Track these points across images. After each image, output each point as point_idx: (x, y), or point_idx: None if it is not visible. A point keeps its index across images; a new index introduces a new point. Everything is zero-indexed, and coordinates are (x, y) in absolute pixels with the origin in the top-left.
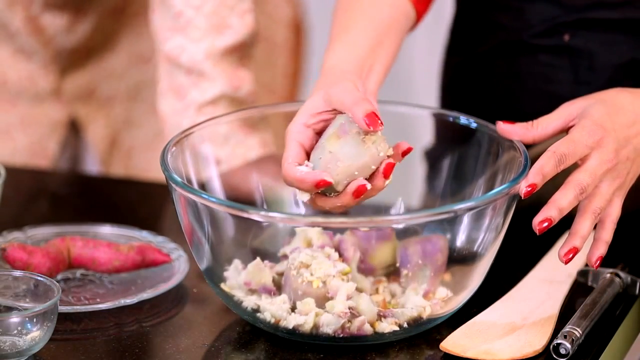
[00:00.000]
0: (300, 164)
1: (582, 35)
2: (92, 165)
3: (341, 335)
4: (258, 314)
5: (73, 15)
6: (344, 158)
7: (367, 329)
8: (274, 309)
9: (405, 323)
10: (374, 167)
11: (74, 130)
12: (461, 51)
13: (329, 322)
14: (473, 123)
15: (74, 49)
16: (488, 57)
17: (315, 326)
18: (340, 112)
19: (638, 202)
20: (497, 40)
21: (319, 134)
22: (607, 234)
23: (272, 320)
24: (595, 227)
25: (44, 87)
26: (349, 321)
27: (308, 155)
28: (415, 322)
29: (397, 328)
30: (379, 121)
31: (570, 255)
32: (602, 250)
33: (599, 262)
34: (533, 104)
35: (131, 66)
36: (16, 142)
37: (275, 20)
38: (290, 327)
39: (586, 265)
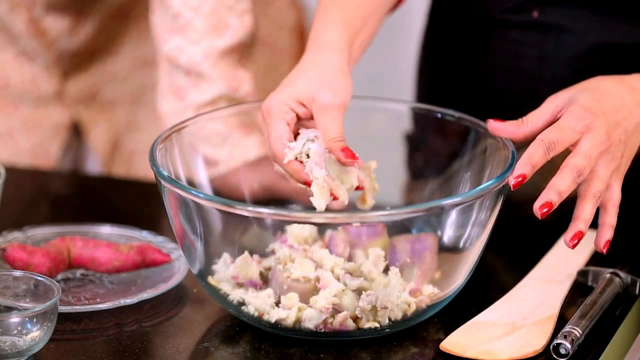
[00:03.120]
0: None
1: (551, 11)
2: (94, 168)
3: (323, 330)
4: (242, 307)
5: (75, 18)
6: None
7: (350, 325)
8: (258, 303)
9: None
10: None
11: (76, 133)
12: (436, 31)
13: (311, 317)
14: (462, 119)
15: (77, 52)
16: (461, 35)
17: (298, 321)
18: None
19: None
20: (470, 18)
21: (300, 119)
22: (611, 217)
23: (256, 314)
24: (598, 215)
25: (46, 90)
26: (332, 316)
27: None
28: (399, 318)
29: (378, 325)
30: (355, 156)
31: (576, 241)
32: (608, 234)
33: (607, 246)
34: (501, 80)
35: (134, 70)
36: (18, 145)
37: (279, 25)
38: (273, 321)
39: (586, 265)
